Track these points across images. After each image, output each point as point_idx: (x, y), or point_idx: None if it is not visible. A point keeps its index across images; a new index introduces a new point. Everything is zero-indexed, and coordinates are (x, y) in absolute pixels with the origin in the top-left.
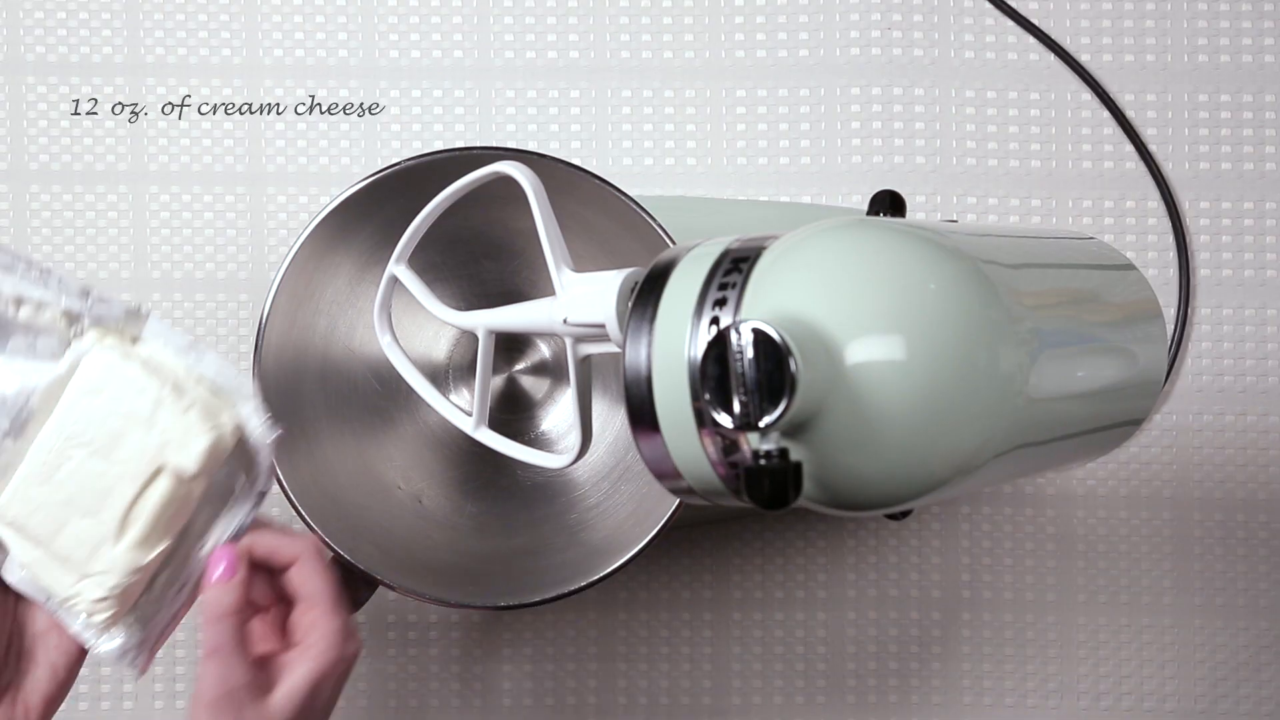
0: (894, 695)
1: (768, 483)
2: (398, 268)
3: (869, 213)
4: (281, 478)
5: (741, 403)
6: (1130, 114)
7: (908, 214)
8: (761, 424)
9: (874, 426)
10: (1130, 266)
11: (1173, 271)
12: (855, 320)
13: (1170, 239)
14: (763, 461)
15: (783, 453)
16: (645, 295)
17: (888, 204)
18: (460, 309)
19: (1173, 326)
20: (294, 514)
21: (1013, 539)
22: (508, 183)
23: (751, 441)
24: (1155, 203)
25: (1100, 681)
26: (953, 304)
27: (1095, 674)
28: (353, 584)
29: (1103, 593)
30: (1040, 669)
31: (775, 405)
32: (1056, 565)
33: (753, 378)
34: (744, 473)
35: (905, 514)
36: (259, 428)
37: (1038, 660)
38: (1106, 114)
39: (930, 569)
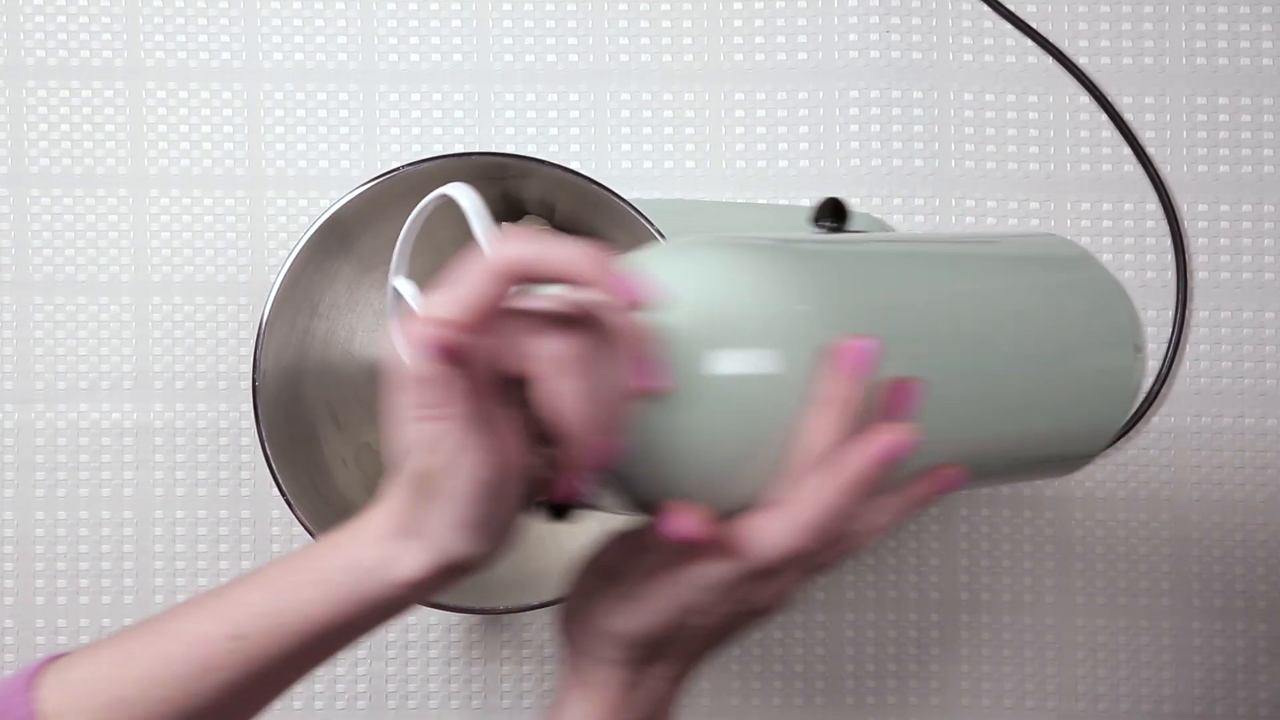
0: (892, 697)
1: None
2: (396, 279)
3: (814, 217)
4: (280, 482)
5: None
6: (1128, 117)
7: (906, 218)
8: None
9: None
10: (1094, 280)
11: (1171, 274)
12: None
13: (1169, 242)
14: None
15: None
16: None
17: (830, 211)
18: None
19: (1170, 329)
20: (292, 518)
21: (1011, 541)
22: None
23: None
24: (1154, 205)
25: (1098, 683)
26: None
27: (1093, 676)
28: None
29: (1101, 594)
30: (1038, 670)
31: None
32: (1055, 567)
33: None
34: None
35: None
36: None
37: (1036, 662)
38: (1105, 117)
39: (929, 570)
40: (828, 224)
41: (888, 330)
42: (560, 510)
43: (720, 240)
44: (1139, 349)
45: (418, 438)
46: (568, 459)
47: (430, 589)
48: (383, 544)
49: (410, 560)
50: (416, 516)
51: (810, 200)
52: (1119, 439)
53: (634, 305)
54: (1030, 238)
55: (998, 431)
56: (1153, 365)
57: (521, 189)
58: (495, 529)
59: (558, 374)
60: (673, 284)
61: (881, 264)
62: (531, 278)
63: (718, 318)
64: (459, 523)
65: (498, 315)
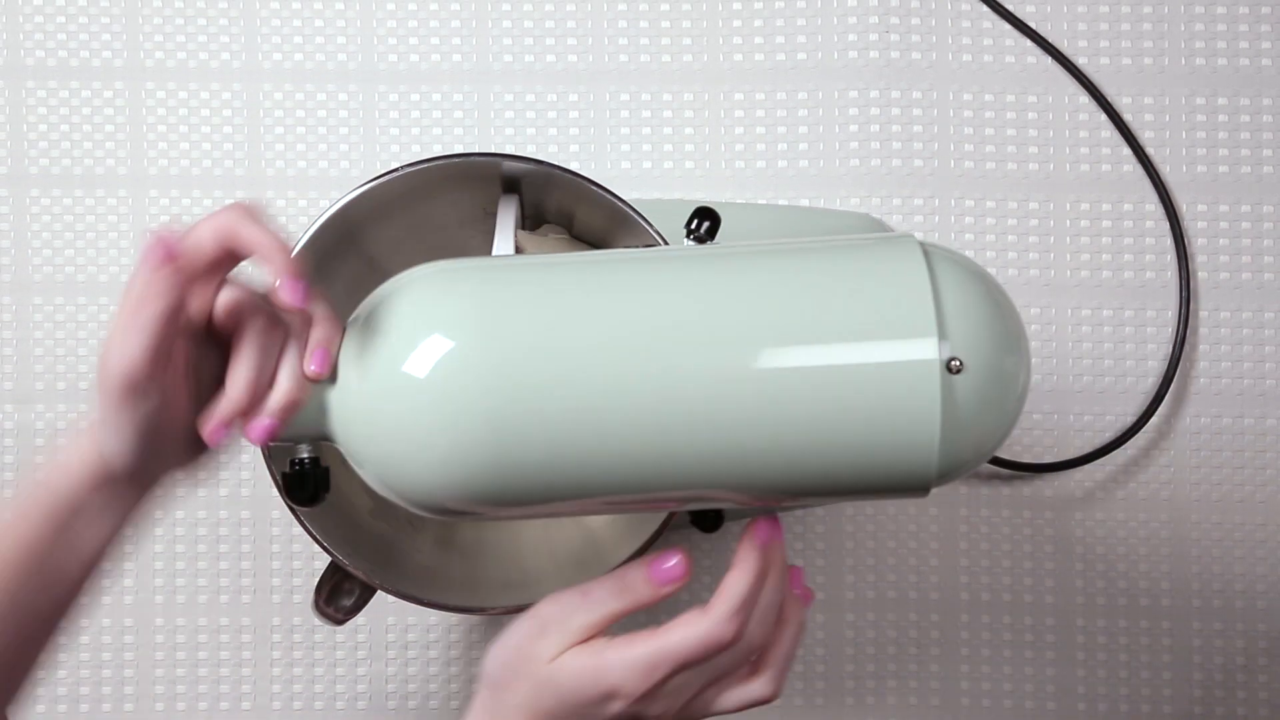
0: (892, 697)
1: (295, 484)
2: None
3: (686, 225)
4: (281, 484)
5: None
6: (1128, 117)
7: (903, 225)
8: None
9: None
10: (892, 268)
11: (1171, 274)
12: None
13: (1169, 242)
14: (296, 467)
15: (314, 460)
16: None
17: (701, 219)
18: None
19: (1173, 329)
20: (292, 519)
21: (1011, 541)
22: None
23: (296, 454)
24: (1153, 206)
25: (1098, 684)
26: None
27: (1093, 676)
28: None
29: (1100, 595)
30: (1038, 671)
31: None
32: (1055, 567)
33: None
34: (282, 477)
35: (716, 524)
36: None
37: (1035, 662)
38: (1104, 117)
39: (929, 570)
40: (696, 234)
41: (552, 365)
42: (302, 498)
43: (452, 264)
44: (940, 341)
45: (111, 331)
46: (225, 412)
47: (94, 500)
48: (61, 454)
49: (69, 459)
50: (87, 422)
51: (809, 200)
52: (1124, 441)
53: (287, 304)
54: (826, 239)
55: (758, 458)
56: (1156, 366)
57: (541, 198)
58: (144, 442)
59: (252, 338)
60: (392, 295)
61: (586, 291)
62: (235, 248)
63: (372, 328)
64: (108, 422)
65: (224, 281)
